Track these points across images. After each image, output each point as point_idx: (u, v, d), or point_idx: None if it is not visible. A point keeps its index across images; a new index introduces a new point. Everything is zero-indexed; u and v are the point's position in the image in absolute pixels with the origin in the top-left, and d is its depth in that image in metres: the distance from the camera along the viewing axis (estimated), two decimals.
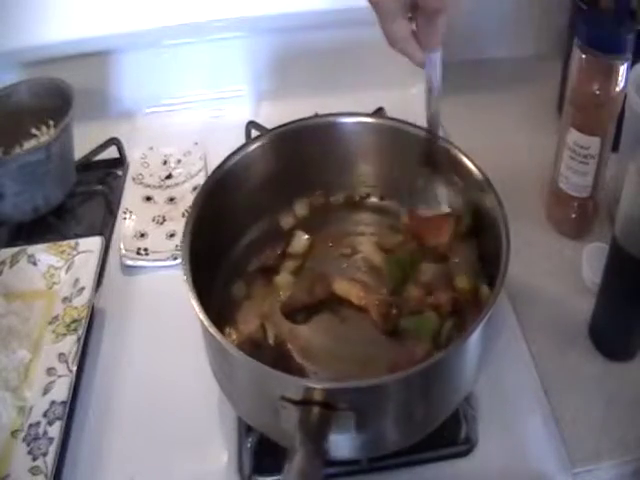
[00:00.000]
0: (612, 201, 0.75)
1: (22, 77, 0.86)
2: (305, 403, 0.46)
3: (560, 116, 0.72)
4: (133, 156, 0.90)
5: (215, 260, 0.65)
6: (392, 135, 0.67)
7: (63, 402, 0.59)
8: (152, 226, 0.80)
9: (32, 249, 0.73)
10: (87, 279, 0.69)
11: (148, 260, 0.76)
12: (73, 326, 0.65)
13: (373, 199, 0.72)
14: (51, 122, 0.83)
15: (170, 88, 0.97)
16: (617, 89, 0.64)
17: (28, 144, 0.84)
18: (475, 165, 0.62)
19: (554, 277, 0.71)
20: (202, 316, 0.50)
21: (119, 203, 0.83)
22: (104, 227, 0.81)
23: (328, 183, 0.71)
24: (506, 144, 0.86)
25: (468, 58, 0.99)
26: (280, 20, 0.90)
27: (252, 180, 0.66)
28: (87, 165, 0.87)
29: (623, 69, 0.63)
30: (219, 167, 0.64)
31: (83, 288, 0.68)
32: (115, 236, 0.79)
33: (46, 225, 0.80)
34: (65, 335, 0.65)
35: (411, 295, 0.61)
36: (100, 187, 0.85)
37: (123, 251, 0.76)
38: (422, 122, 0.67)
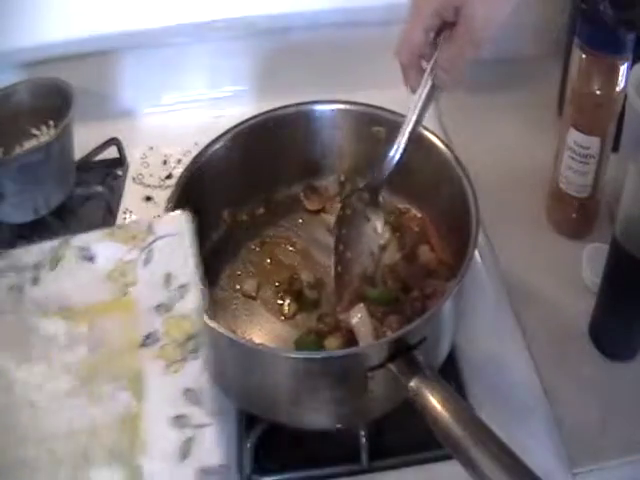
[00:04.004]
0: (612, 201, 0.75)
1: (22, 77, 0.86)
2: (388, 361, 0.49)
3: (560, 116, 0.72)
4: (133, 156, 0.90)
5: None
6: (368, 120, 0.69)
7: (223, 466, 0.40)
8: None
9: (80, 239, 0.50)
10: (186, 272, 0.47)
11: None
12: (190, 345, 0.44)
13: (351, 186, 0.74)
14: (51, 122, 0.83)
15: (170, 88, 0.97)
16: (617, 89, 0.64)
17: (28, 144, 0.83)
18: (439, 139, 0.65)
19: (554, 277, 0.71)
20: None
21: (119, 203, 0.83)
22: (104, 227, 0.81)
23: (308, 170, 0.74)
24: (506, 144, 0.86)
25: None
26: (280, 20, 0.90)
27: (230, 169, 0.68)
28: (87, 165, 0.87)
29: (623, 69, 0.63)
30: (198, 156, 0.66)
31: (185, 287, 0.47)
32: None
33: (46, 225, 0.80)
34: (183, 361, 0.44)
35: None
36: (100, 187, 0.85)
37: None
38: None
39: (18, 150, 0.83)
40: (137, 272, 0.48)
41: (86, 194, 0.85)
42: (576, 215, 0.74)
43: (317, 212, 0.73)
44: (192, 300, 0.46)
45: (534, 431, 0.59)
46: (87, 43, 0.89)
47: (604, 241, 0.63)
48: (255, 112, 0.70)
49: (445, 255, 0.66)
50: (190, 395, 0.42)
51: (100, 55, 0.92)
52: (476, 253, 0.67)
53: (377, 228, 0.63)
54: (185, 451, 0.40)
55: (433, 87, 0.54)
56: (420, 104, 0.55)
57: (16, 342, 0.44)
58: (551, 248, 0.75)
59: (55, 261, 0.48)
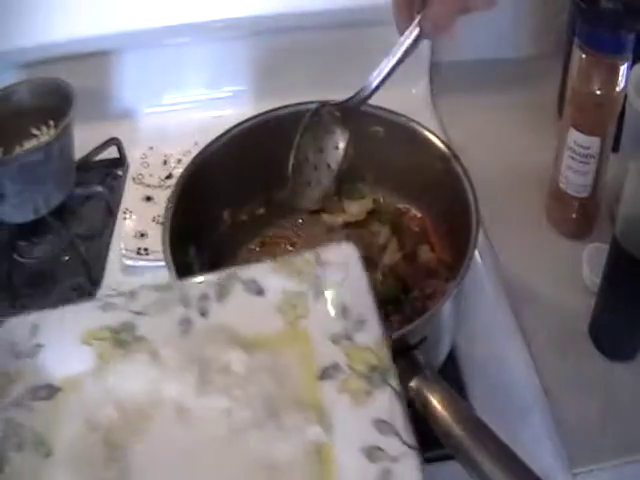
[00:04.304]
0: (612, 201, 0.75)
1: (22, 77, 0.86)
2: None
3: (560, 116, 0.72)
4: (133, 156, 0.90)
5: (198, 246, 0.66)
6: (367, 120, 0.69)
7: None
8: (152, 226, 0.80)
9: (248, 272, 0.48)
10: (362, 305, 0.45)
11: (148, 260, 0.76)
12: (376, 377, 0.42)
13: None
14: (51, 122, 0.83)
15: (170, 88, 0.97)
16: (617, 89, 0.64)
17: (28, 144, 0.83)
18: (439, 139, 0.64)
19: (554, 277, 0.71)
20: None
21: (119, 203, 0.83)
22: (104, 227, 0.81)
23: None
24: (506, 144, 0.86)
25: (468, 58, 1.00)
26: (280, 20, 0.90)
27: (230, 169, 0.68)
28: (87, 165, 0.87)
29: (623, 69, 0.63)
30: (198, 156, 0.66)
31: (362, 320, 0.44)
32: (115, 236, 0.79)
33: (46, 225, 0.80)
34: (370, 393, 0.41)
35: None
36: (100, 187, 0.85)
37: (123, 251, 0.76)
38: (422, 121, 0.67)
39: (18, 150, 0.83)
40: (308, 305, 0.47)
41: (86, 194, 0.85)
42: (576, 215, 0.74)
43: (317, 212, 0.73)
44: (372, 331, 0.43)
45: (534, 431, 0.59)
46: (87, 43, 0.89)
47: (604, 241, 0.63)
48: (255, 112, 0.70)
49: (445, 255, 0.66)
50: (383, 427, 0.39)
51: (100, 55, 0.92)
52: (476, 253, 0.67)
53: (339, 145, 0.63)
54: None
55: (420, 34, 0.54)
56: (404, 47, 0.55)
57: (191, 374, 0.43)
58: (551, 248, 0.75)
59: (223, 294, 0.47)
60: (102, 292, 0.73)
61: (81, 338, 0.46)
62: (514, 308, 0.68)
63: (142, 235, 0.79)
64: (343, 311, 0.45)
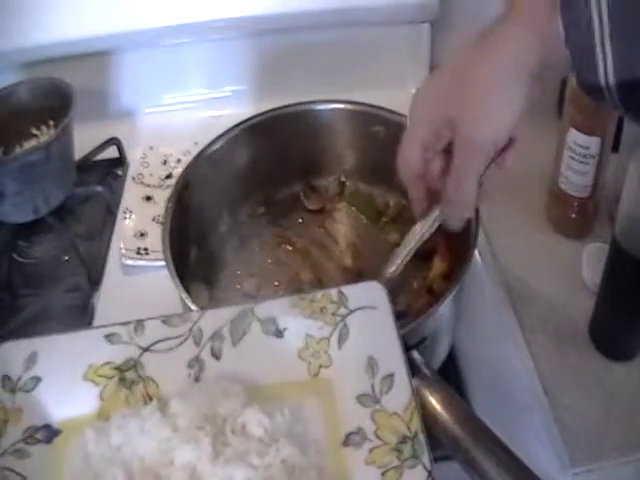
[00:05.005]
0: (612, 201, 0.75)
1: (22, 77, 0.86)
2: None
3: (560, 116, 0.72)
4: (133, 156, 0.90)
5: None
6: (368, 120, 0.69)
7: None
8: (152, 226, 0.80)
9: (264, 308, 0.43)
10: (391, 358, 0.40)
11: (148, 260, 0.76)
12: (406, 451, 0.37)
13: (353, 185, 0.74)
14: (51, 122, 0.83)
15: (170, 88, 0.97)
16: None
17: (28, 144, 0.83)
18: None
19: (554, 277, 0.71)
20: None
21: (119, 203, 0.83)
22: (104, 227, 0.81)
23: (308, 170, 0.74)
24: None
25: None
26: (280, 20, 0.90)
27: (230, 169, 0.68)
28: (87, 165, 0.87)
29: None
30: (198, 156, 0.66)
31: (391, 375, 0.40)
32: (115, 236, 0.79)
33: (46, 225, 0.80)
34: (399, 468, 0.36)
35: None
36: (100, 187, 0.85)
37: (123, 251, 0.76)
38: None
39: (18, 150, 0.83)
40: (331, 353, 0.42)
41: (86, 194, 0.85)
42: (576, 215, 0.74)
43: (317, 212, 0.73)
44: (402, 392, 0.39)
45: (534, 431, 0.59)
46: (87, 43, 0.89)
47: (604, 241, 0.63)
48: (255, 112, 0.70)
49: (445, 255, 0.66)
50: None
51: (100, 55, 0.92)
52: (476, 253, 0.67)
53: None
54: None
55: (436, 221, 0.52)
56: (421, 236, 0.53)
57: (205, 437, 0.39)
58: (551, 248, 0.74)
59: (239, 334, 0.43)
60: (102, 292, 0.73)
61: (83, 374, 0.43)
62: (514, 308, 0.68)
63: (142, 235, 0.79)
64: (369, 363, 0.40)
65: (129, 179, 0.86)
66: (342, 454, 0.38)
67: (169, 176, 0.87)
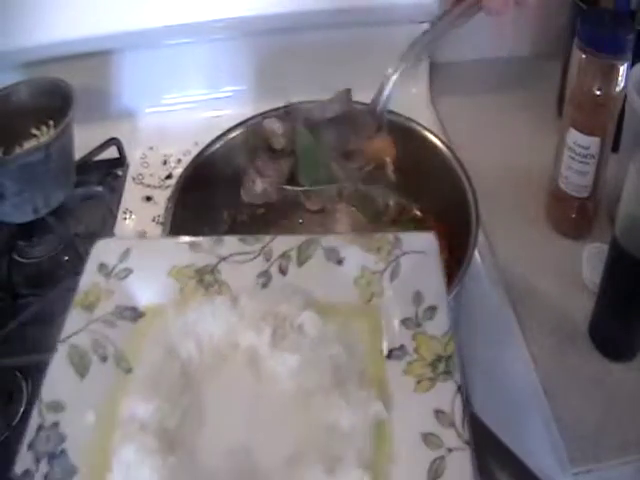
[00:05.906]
0: (612, 201, 0.75)
1: (22, 77, 0.86)
2: None
3: (560, 116, 0.72)
4: (133, 156, 0.90)
5: None
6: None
7: None
8: (152, 226, 0.80)
9: (330, 240, 0.49)
10: (434, 294, 0.45)
11: None
12: (441, 367, 0.42)
13: None
14: (51, 122, 0.83)
15: (170, 88, 0.97)
16: (617, 89, 0.64)
17: (28, 144, 0.83)
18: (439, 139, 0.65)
19: (554, 277, 0.71)
20: None
21: (119, 203, 0.83)
22: (104, 227, 0.81)
23: None
24: (506, 144, 0.86)
25: (468, 58, 1.00)
26: (279, 20, 0.90)
27: (230, 169, 0.67)
28: (87, 165, 0.87)
29: (623, 69, 0.63)
30: (198, 156, 0.67)
31: (434, 308, 0.45)
32: (115, 236, 0.79)
33: (46, 225, 0.80)
34: (433, 380, 0.41)
35: None
36: (100, 187, 0.85)
37: None
38: (422, 121, 0.67)
39: (18, 150, 0.83)
40: (383, 284, 0.47)
41: (86, 194, 0.85)
42: (576, 215, 0.74)
43: (317, 212, 0.73)
44: (442, 322, 0.43)
45: (534, 431, 0.59)
46: (87, 43, 0.89)
47: (604, 241, 0.63)
48: (255, 112, 0.70)
49: (445, 255, 0.66)
50: (442, 417, 0.39)
51: (100, 55, 0.92)
52: (476, 253, 0.67)
53: None
54: (435, 470, 0.37)
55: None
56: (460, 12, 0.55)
57: (268, 326, 0.44)
58: (551, 248, 0.75)
59: (304, 257, 0.48)
60: None
61: (167, 271, 0.48)
62: (514, 308, 0.68)
63: (142, 235, 0.79)
64: (416, 296, 0.45)
65: (129, 179, 0.86)
66: (383, 364, 0.43)
67: (169, 176, 0.87)
